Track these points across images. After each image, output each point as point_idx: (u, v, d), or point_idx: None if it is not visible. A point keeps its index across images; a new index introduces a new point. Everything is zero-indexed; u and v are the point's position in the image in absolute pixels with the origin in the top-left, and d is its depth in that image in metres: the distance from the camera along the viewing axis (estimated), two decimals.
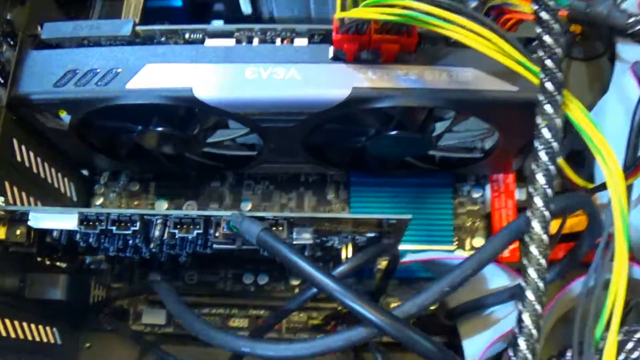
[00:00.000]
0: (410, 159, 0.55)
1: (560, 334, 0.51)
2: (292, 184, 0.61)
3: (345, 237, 0.47)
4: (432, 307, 0.57)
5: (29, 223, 0.45)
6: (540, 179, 0.37)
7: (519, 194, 0.58)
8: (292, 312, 0.44)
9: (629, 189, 0.51)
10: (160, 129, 0.50)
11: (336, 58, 0.46)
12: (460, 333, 0.52)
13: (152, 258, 0.53)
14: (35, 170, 0.53)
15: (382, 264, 0.55)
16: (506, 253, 0.57)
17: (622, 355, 0.41)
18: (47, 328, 0.54)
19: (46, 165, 0.55)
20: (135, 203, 0.62)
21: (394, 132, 0.49)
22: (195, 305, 0.59)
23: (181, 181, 0.61)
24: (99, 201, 0.62)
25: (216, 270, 0.60)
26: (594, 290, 0.40)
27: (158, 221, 0.45)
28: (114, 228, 0.45)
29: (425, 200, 0.59)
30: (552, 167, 0.37)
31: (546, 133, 0.37)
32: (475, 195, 0.60)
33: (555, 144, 0.37)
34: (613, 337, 0.39)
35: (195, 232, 0.44)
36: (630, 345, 0.41)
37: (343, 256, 0.48)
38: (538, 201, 0.37)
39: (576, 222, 0.55)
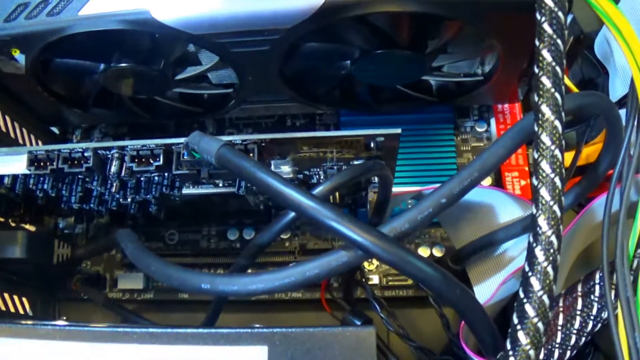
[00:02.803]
0: (404, 88, 0.47)
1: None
2: (278, 129, 0.54)
3: (331, 169, 0.39)
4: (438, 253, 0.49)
5: None
6: (546, 81, 0.30)
7: None
8: (266, 246, 0.36)
9: None
10: (123, 65, 0.43)
11: None
12: (471, 278, 0.44)
13: (123, 214, 0.45)
14: None
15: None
16: (517, 190, 0.49)
17: None
18: (15, 297, 0.47)
19: (7, 119, 0.48)
20: None
21: (380, 51, 0.41)
22: None
23: (158, 134, 0.53)
24: None
25: (198, 227, 0.52)
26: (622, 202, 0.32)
27: (114, 155, 0.38)
28: (65, 167, 0.38)
29: (424, 138, 0.52)
30: (558, 69, 0.30)
31: (547, 28, 0.30)
32: (480, 129, 0.52)
33: (559, 41, 0.30)
34: None
35: (155, 164, 0.37)
36: None
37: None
38: (546, 109, 0.29)
39: (593, 151, 0.47)
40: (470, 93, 0.48)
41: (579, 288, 0.34)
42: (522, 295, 0.28)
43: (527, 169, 0.50)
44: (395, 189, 0.45)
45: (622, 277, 0.31)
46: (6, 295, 0.46)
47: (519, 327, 0.28)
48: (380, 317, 0.43)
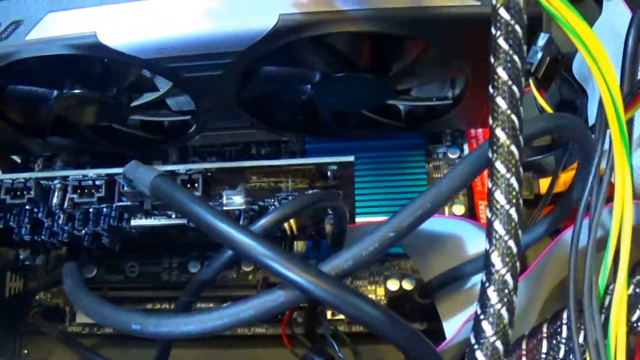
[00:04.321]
0: (371, 113, 0.43)
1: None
2: (243, 157, 0.50)
3: (286, 199, 0.36)
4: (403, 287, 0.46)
5: None
6: (501, 103, 0.26)
7: None
8: (206, 283, 0.33)
9: (630, 126, 0.40)
10: (75, 91, 0.40)
11: None
12: (440, 313, 0.41)
13: (77, 245, 0.42)
14: None
15: None
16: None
17: (637, 313, 0.29)
18: None
19: None
20: None
21: (341, 74, 0.38)
22: (137, 300, 0.48)
23: (121, 163, 0.50)
24: None
25: (159, 259, 0.49)
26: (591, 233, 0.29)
27: (56, 185, 0.35)
28: (8, 197, 0.35)
29: (394, 165, 0.48)
30: (515, 89, 0.26)
31: (503, 43, 0.26)
32: (452, 156, 0.49)
33: (516, 58, 0.26)
34: (622, 287, 0.28)
35: (97, 195, 0.34)
36: None
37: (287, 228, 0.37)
38: (500, 134, 0.26)
39: (571, 177, 0.44)
40: (441, 118, 0.44)
41: (544, 329, 0.30)
42: (473, 341, 0.25)
43: None
44: (361, 220, 0.41)
45: (590, 318, 0.28)
46: None
47: (474, 341, 0.24)
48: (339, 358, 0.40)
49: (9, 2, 0.39)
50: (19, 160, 0.52)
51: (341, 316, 0.46)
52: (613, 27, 0.43)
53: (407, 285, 0.46)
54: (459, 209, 0.47)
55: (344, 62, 0.39)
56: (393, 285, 0.46)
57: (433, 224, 0.39)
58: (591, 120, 0.45)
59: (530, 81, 0.46)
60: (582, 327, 0.28)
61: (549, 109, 0.45)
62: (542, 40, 0.45)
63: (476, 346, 0.24)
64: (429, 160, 0.49)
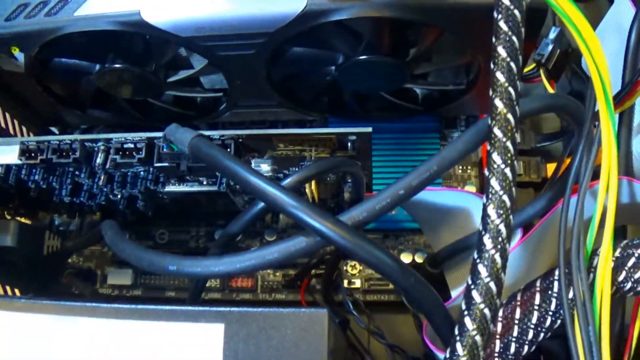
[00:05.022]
0: (390, 96, 0.49)
1: None
2: None
3: None
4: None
5: None
6: (500, 77, 0.31)
7: None
8: (236, 235, 0.38)
9: (630, 114, 0.45)
10: (117, 65, 0.45)
11: None
12: (448, 282, 0.45)
13: (114, 211, 0.47)
14: None
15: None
16: None
17: (623, 274, 0.33)
18: (7, 287, 0.49)
19: (8, 116, 0.50)
20: None
21: (363, 57, 0.43)
22: None
23: None
24: None
25: (187, 227, 0.54)
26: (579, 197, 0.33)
27: (100, 147, 0.40)
28: (54, 157, 0.40)
29: (411, 147, 0.53)
30: (512, 65, 0.31)
31: (503, 25, 0.31)
32: None
33: (514, 38, 0.31)
34: (607, 249, 0.33)
35: (137, 156, 0.39)
36: (631, 261, 0.33)
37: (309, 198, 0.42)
38: (499, 103, 0.30)
39: None
40: (455, 102, 0.49)
41: (538, 283, 0.34)
42: (470, 282, 0.29)
43: None
44: None
45: (577, 273, 0.32)
46: None
47: (465, 312, 0.29)
48: (353, 315, 0.45)
49: None
50: (56, 132, 0.57)
51: (357, 285, 0.51)
52: (619, 21, 0.48)
53: (419, 259, 0.51)
54: (471, 189, 0.52)
55: (365, 45, 0.43)
56: (406, 258, 0.51)
57: (444, 197, 0.44)
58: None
59: (541, 72, 0.51)
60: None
61: None
62: (553, 33, 0.49)
63: (472, 286, 0.29)
64: (444, 143, 0.54)
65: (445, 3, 0.40)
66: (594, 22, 0.53)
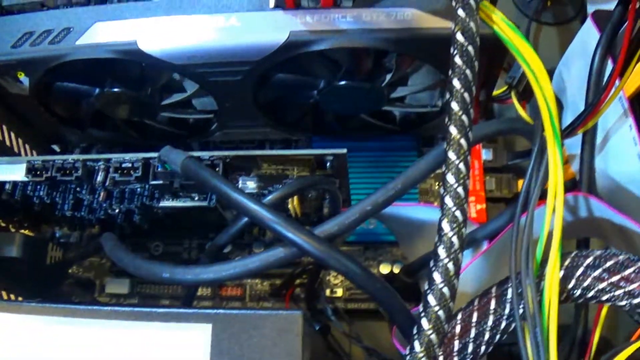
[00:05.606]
0: (369, 118, 0.54)
1: None
2: None
3: None
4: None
5: None
6: (455, 106, 0.36)
7: (486, 154, 0.57)
8: (223, 246, 0.43)
9: (593, 133, 0.50)
10: (115, 90, 0.51)
11: (277, 6, 0.46)
12: (422, 290, 0.50)
13: (112, 224, 0.53)
14: (0, 137, 0.54)
15: None
16: (473, 214, 0.56)
17: (572, 282, 0.38)
18: (12, 296, 0.53)
19: (12, 135, 0.56)
20: None
21: (342, 83, 0.49)
22: None
23: None
24: None
25: (180, 240, 0.59)
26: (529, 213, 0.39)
27: (100, 166, 0.45)
28: (58, 175, 0.46)
29: (390, 164, 0.58)
30: (466, 95, 0.36)
31: (458, 60, 0.36)
32: None
33: (468, 72, 0.36)
34: (554, 258, 0.38)
35: (135, 175, 0.45)
36: (580, 270, 0.38)
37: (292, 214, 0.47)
38: (453, 129, 0.35)
39: None
40: (431, 122, 0.55)
41: (494, 290, 0.39)
42: (426, 286, 0.35)
43: (482, 194, 0.57)
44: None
45: (525, 279, 0.37)
46: (3, 293, 0.53)
47: (422, 314, 0.34)
48: (332, 321, 0.50)
49: (60, 11, 0.49)
50: (58, 150, 0.63)
51: (339, 293, 0.57)
52: (586, 44, 0.53)
53: (397, 269, 0.56)
54: None
55: (344, 72, 0.48)
56: (385, 269, 0.56)
57: (419, 212, 0.49)
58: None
59: (512, 93, 0.56)
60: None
61: (527, 118, 0.55)
62: None
63: (428, 291, 0.34)
64: None
65: (415, 34, 0.45)
66: (567, 44, 0.59)
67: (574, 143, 0.53)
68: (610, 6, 0.53)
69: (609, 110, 0.48)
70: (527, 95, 0.57)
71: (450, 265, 0.34)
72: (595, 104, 0.47)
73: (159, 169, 0.44)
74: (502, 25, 0.39)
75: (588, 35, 0.53)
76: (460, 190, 0.35)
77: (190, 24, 0.46)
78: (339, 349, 0.52)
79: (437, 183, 0.59)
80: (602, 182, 0.51)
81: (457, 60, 0.36)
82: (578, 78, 0.54)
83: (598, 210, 0.45)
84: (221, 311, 0.36)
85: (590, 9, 0.57)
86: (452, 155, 0.35)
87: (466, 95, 0.36)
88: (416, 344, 0.34)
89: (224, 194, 0.38)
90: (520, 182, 0.57)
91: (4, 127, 0.55)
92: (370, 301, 0.56)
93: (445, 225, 0.35)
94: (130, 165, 0.45)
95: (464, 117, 0.35)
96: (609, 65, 0.50)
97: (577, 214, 0.46)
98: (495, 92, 0.58)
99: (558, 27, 0.63)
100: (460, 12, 0.36)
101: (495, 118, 0.63)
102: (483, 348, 0.39)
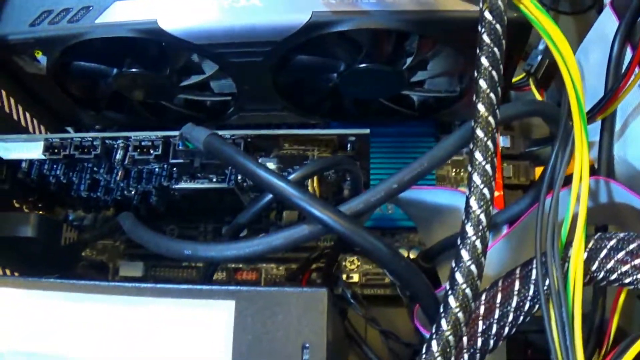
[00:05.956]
0: (388, 102, 0.54)
1: None
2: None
3: None
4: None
5: None
6: (483, 84, 0.35)
7: (503, 141, 0.57)
8: (245, 225, 0.43)
9: (612, 119, 0.50)
10: (133, 70, 0.50)
11: None
12: (440, 276, 0.50)
13: (127, 205, 0.52)
14: (15, 117, 0.54)
15: None
16: None
17: (596, 264, 0.38)
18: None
19: (28, 115, 0.55)
20: None
21: (363, 65, 0.49)
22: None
23: None
24: None
25: (196, 223, 0.59)
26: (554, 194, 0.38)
27: (119, 144, 0.45)
28: (76, 153, 0.45)
29: (408, 150, 0.58)
30: (494, 73, 0.35)
31: (486, 38, 0.36)
32: None
33: (496, 50, 0.36)
34: (579, 240, 0.37)
35: (154, 153, 0.45)
36: (603, 252, 0.38)
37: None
38: (481, 107, 0.35)
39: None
40: (449, 108, 0.54)
41: (518, 272, 0.39)
42: (453, 264, 0.34)
43: (500, 181, 0.56)
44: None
45: (551, 261, 0.37)
46: (16, 274, 0.53)
47: (450, 292, 0.34)
48: (350, 304, 0.50)
49: None
50: (72, 131, 0.63)
51: (355, 279, 0.56)
52: (605, 32, 0.52)
53: (414, 255, 0.56)
54: (463, 189, 0.57)
55: (365, 54, 0.48)
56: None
57: (437, 196, 0.49)
58: None
59: (531, 81, 0.56)
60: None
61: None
62: (542, 44, 0.55)
63: (456, 269, 0.34)
64: None
65: (438, 16, 0.45)
66: (584, 33, 0.58)
67: (592, 130, 0.53)
68: None
69: (628, 97, 0.48)
70: (545, 82, 0.56)
71: (478, 243, 0.34)
72: (614, 90, 0.47)
73: (180, 147, 0.44)
74: (531, 7, 0.38)
75: (607, 23, 0.53)
76: (488, 167, 0.35)
77: (211, 3, 0.46)
78: (354, 334, 0.52)
79: (454, 169, 0.59)
80: (621, 169, 0.51)
81: (485, 38, 0.36)
82: (596, 65, 0.53)
83: (619, 195, 0.45)
84: (245, 288, 0.36)
85: None
86: (479, 132, 0.35)
87: (494, 73, 0.36)
88: (443, 322, 0.34)
89: (249, 171, 0.38)
90: (537, 170, 0.57)
91: (20, 107, 0.55)
92: (386, 287, 0.56)
93: (473, 203, 0.34)
94: (149, 143, 0.45)
95: (492, 95, 0.35)
96: (628, 53, 0.50)
97: (597, 199, 0.46)
98: (513, 80, 0.58)
99: (575, 17, 0.63)
100: None
101: (507, 99, 0.62)
102: (507, 329, 0.39)
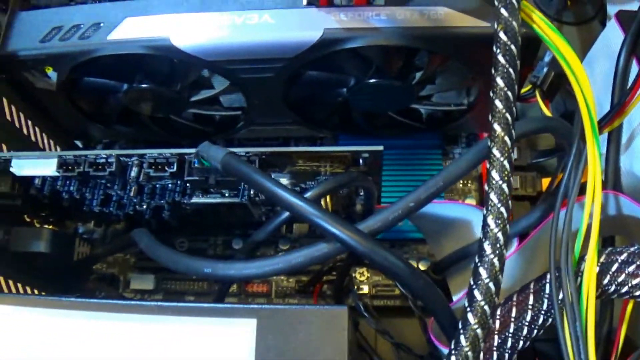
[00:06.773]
0: (396, 116, 0.55)
1: None
2: None
3: None
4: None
5: (12, 170, 0.47)
6: (499, 104, 0.36)
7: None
8: (261, 242, 0.44)
9: (619, 132, 0.51)
10: (144, 85, 0.51)
11: (310, 3, 0.47)
12: (450, 288, 0.51)
13: (138, 219, 0.53)
14: (25, 132, 0.54)
15: None
16: None
17: (607, 278, 0.39)
18: (35, 291, 0.54)
19: (37, 129, 0.56)
20: None
21: (373, 80, 0.49)
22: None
23: None
24: None
25: (206, 237, 0.60)
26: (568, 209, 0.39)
27: (134, 162, 0.46)
28: (91, 170, 0.46)
29: (415, 162, 0.59)
30: (509, 93, 0.36)
31: (501, 59, 0.37)
32: None
33: (511, 70, 0.36)
34: (592, 255, 0.38)
35: (169, 170, 0.45)
36: (615, 266, 0.39)
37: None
38: (497, 127, 0.36)
39: None
40: (457, 121, 0.55)
41: (532, 286, 0.40)
42: (471, 282, 0.35)
43: None
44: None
45: (565, 276, 0.38)
46: (28, 288, 0.53)
47: (468, 309, 0.35)
48: (363, 317, 0.50)
49: (89, 6, 0.50)
50: (80, 145, 0.63)
51: (365, 290, 0.57)
52: (610, 45, 0.53)
53: (423, 266, 0.57)
54: (471, 201, 0.58)
55: (375, 70, 0.49)
56: None
57: (447, 209, 0.50)
58: None
59: (537, 93, 0.57)
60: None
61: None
62: (548, 56, 0.56)
63: (474, 286, 0.35)
64: (445, 159, 0.60)
65: (448, 33, 0.46)
66: (587, 44, 0.60)
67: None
68: (631, 6, 0.54)
69: (635, 110, 0.49)
70: (551, 94, 0.57)
71: (496, 261, 0.35)
72: (621, 103, 0.48)
73: (195, 165, 0.44)
74: (542, 25, 0.39)
75: (612, 36, 0.54)
76: (504, 187, 0.36)
77: (224, 20, 0.47)
78: (366, 346, 0.52)
79: (462, 181, 0.59)
80: (628, 181, 0.52)
81: (500, 58, 0.37)
82: (602, 78, 0.54)
83: (627, 208, 0.46)
84: (266, 306, 0.36)
85: (610, 8, 0.58)
86: (496, 152, 0.36)
87: (509, 93, 0.36)
88: (462, 338, 0.34)
89: (268, 190, 0.39)
90: (544, 181, 0.58)
91: (30, 122, 0.55)
92: (395, 298, 0.57)
93: (491, 222, 0.35)
94: (164, 160, 0.46)
95: (508, 115, 0.36)
96: (634, 67, 0.51)
97: (605, 212, 0.47)
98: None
99: (578, 27, 0.64)
100: (503, 12, 0.37)
101: (517, 117, 0.63)
102: (521, 343, 0.40)
